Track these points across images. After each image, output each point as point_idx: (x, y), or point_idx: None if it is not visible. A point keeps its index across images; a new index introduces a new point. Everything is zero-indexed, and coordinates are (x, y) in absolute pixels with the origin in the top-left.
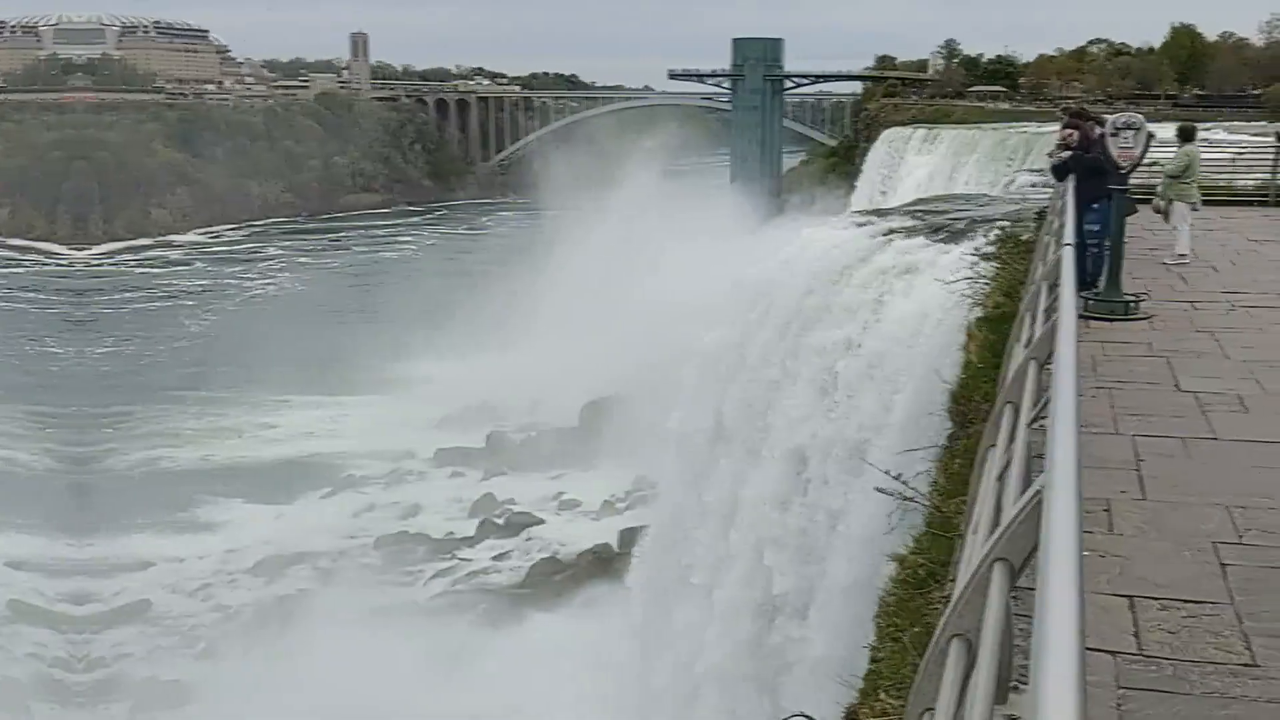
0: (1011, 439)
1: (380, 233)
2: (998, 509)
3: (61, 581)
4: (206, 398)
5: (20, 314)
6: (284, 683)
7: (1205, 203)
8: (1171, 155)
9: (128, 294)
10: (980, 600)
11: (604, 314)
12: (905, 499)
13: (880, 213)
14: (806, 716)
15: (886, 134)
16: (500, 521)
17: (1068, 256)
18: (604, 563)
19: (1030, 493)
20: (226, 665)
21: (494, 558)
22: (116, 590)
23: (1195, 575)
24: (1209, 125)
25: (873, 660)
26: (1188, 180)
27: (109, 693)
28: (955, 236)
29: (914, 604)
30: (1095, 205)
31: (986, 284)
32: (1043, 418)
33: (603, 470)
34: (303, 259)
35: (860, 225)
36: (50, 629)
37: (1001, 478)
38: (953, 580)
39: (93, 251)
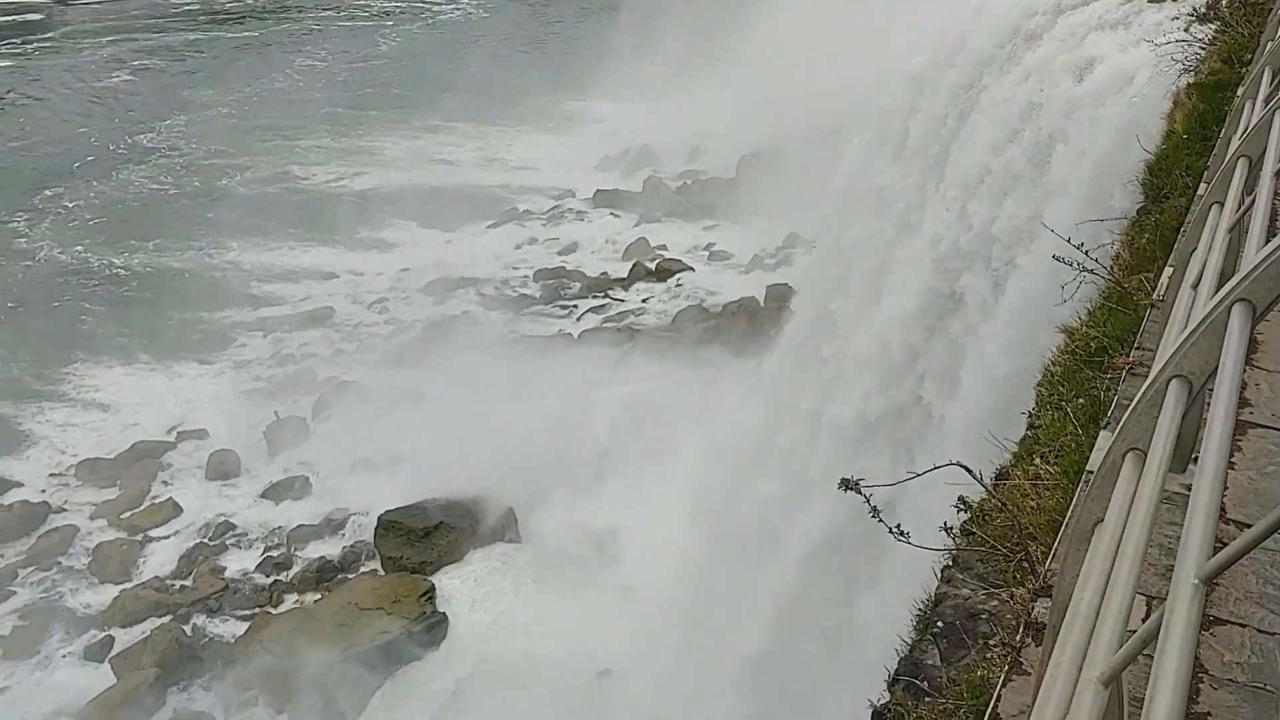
0: (1248, 191)
1: None
2: (1223, 262)
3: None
4: (389, 118)
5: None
6: (447, 391)
7: None
8: None
9: (326, 13)
10: (1213, 342)
11: (776, 66)
12: (1085, 270)
13: None
14: (962, 465)
15: None
16: (651, 266)
17: None
18: (749, 315)
19: None
20: (399, 372)
21: (643, 300)
22: (304, 296)
23: None
24: None
25: (1030, 427)
26: None
27: (297, 386)
28: None
29: (1081, 375)
30: None
31: (1202, 49)
32: None
33: (755, 224)
34: None
35: None
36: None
37: (1233, 230)
38: (1127, 352)
39: None
